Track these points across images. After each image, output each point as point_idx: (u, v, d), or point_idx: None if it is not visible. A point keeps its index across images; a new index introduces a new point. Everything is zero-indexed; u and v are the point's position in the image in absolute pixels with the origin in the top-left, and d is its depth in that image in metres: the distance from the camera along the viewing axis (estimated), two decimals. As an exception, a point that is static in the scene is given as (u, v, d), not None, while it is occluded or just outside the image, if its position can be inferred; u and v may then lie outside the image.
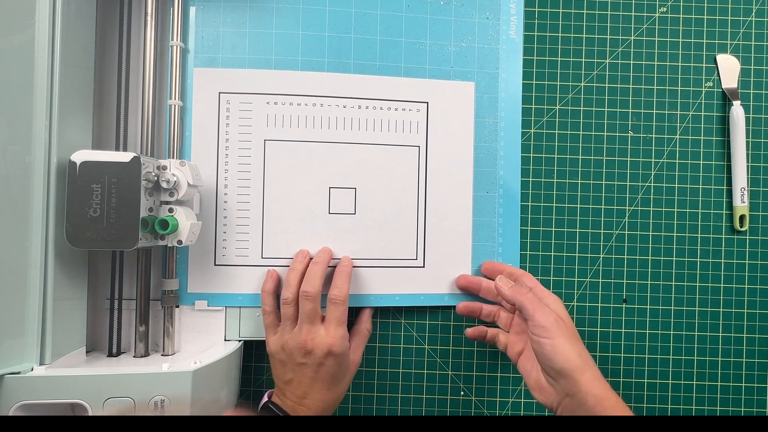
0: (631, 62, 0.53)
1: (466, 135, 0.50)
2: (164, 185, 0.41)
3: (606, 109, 0.53)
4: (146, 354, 0.45)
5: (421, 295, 0.50)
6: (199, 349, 0.46)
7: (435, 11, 0.50)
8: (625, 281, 0.52)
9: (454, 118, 0.50)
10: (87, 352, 0.45)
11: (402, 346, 0.52)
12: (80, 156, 0.38)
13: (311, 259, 0.46)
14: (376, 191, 0.49)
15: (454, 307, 0.50)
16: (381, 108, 0.49)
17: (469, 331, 0.49)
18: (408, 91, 0.49)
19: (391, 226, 0.49)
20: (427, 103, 0.49)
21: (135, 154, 0.39)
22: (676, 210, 0.52)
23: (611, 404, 0.39)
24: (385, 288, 0.49)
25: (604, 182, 0.52)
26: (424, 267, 0.50)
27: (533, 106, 0.52)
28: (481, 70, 0.50)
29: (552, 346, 0.40)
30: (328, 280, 0.46)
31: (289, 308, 0.44)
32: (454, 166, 0.50)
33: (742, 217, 0.52)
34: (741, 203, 0.51)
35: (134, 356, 0.45)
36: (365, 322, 0.48)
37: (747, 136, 0.52)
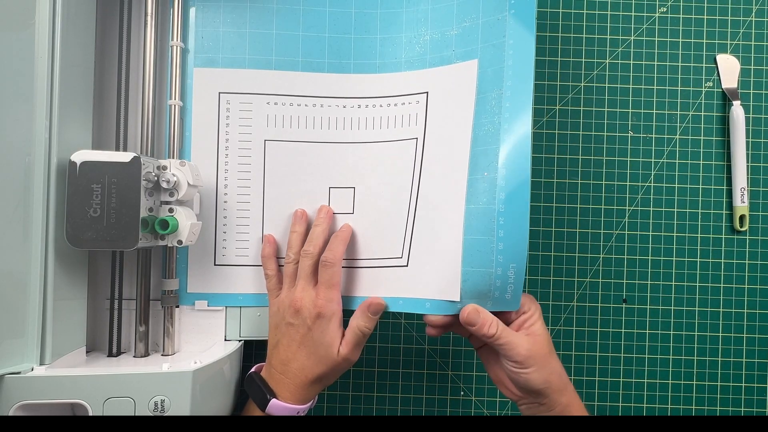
0: (631, 62, 0.53)
1: (465, 114, 0.43)
2: (164, 185, 0.41)
3: (606, 109, 0.53)
4: (146, 354, 0.45)
5: (400, 300, 0.44)
6: (199, 349, 0.46)
7: (436, 0, 0.47)
8: (625, 281, 0.52)
9: (453, 100, 0.45)
10: (87, 352, 0.45)
11: (402, 346, 0.52)
12: (80, 156, 0.38)
13: (310, 220, 0.47)
14: (376, 191, 0.48)
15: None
16: (381, 106, 0.48)
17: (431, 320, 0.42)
18: (408, 84, 0.48)
19: (388, 224, 0.47)
20: (427, 93, 0.47)
21: (135, 154, 0.39)
22: (676, 210, 0.52)
23: (576, 410, 0.41)
24: (376, 290, 0.45)
25: (604, 182, 0.52)
26: (407, 266, 0.44)
27: (533, 106, 0.52)
28: (486, 44, 0.45)
29: (527, 375, 0.40)
30: None
31: (291, 266, 0.44)
32: (448, 148, 0.43)
33: (742, 217, 0.52)
34: (741, 203, 0.51)
35: (134, 356, 0.45)
36: (357, 318, 0.43)
37: (747, 136, 0.52)
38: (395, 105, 0.48)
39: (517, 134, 0.41)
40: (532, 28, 0.43)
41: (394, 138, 0.47)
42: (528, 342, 0.40)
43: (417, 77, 0.47)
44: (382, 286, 0.45)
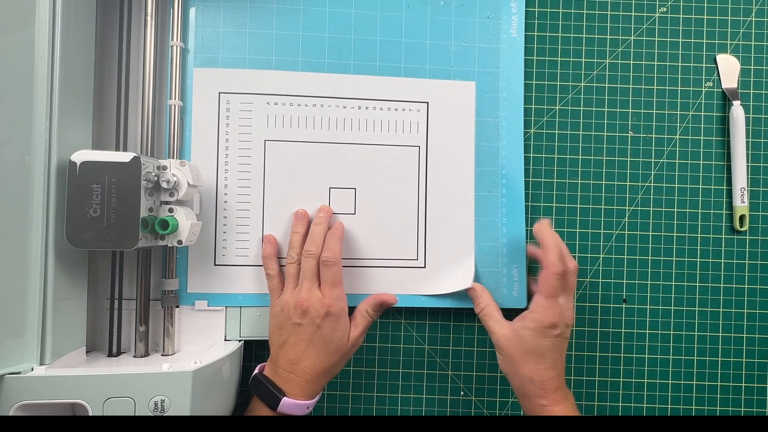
0: (631, 62, 0.53)
1: (467, 134, 0.50)
2: (164, 185, 0.41)
3: (606, 109, 0.53)
4: (146, 354, 0.45)
5: (422, 296, 0.49)
6: (199, 349, 0.46)
7: (435, 11, 0.50)
8: (625, 281, 0.52)
9: (455, 118, 0.49)
10: (87, 352, 0.45)
11: (402, 346, 0.52)
12: (80, 156, 0.38)
13: (311, 220, 0.47)
14: (376, 191, 0.49)
15: (452, 309, 0.50)
16: (381, 108, 0.49)
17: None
18: (408, 91, 0.49)
19: (392, 225, 0.49)
20: (427, 103, 0.49)
21: (135, 154, 0.39)
22: (676, 210, 0.52)
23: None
24: (386, 288, 0.49)
25: (604, 182, 0.52)
26: (425, 267, 0.49)
27: (533, 106, 0.52)
28: (482, 69, 0.50)
29: (499, 360, 0.44)
30: None
31: (293, 266, 0.44)
32: (454, 165, 0.49)
33: (742, 217, 0.52)
34: (741, 203, 0.51)
35: (134, 356, 0.45)
36: (367, 303, 0.46)
37: (747, 136, 0.52)
38: (395, 110, 0.49)
39: (513, 157, 0.50)
40: (521, 62, 0.51)
41: (395, 143, 0.49)
42: (505, 333, 0.43)
43: (417, 85, 0.49)
44: (401, 285, 0.49)
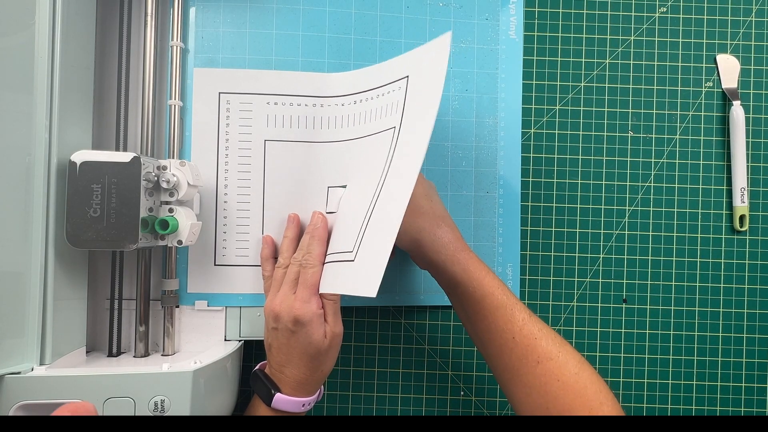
0: (631, 62, 0.53)
1: (431, 103, 0.38)
2: (164, 185, 0.41)
3: (606, 109, 0.53)
4: (146, 354, 0.45)
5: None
6: (199, 349, 0.46)
7: (434, 13, 0.50)
8: (625, 281, 0.52)
9: (424, 89, 0.40)
10: (87, 352, 0.45)
11: (402, 346, 0.52)
12: (80, 156, 0.38)
13: (302, 224, 0.46)
14: (359, 188, 0.44)
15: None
16: (372, 98, 0.46)
17: None
18: (392, 70, 0.45)
19: (351, 216, 0.43)
20: (407, 77, 0.43)
21: (135, 154, 0.39)
22: (676, 210, 0.52)
23: (476, 275, 0.43)
24: (326, 288, 0.41)
25: (604, 182, 0.52)
26: (353, 261, 0.39)
27: (533, 106, 0.52)
28: (480, 70, 0.50)
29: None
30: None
31: (280, 271, 0.43)
32: (411, 140, 0.39)
33: (742, 217, 0.52)
34: (741, 203, 0.51)
35: (134, 356, 0.45)
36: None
37: (747, 136, 0.52)
38: (381, 95, 0.45)
39: (510, 158, 0.51)
40: (519, 64, 0.51)
41: (376, 130, 0.44)
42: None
43: (400, 61, 0.44)
44: (335, 285, 0.40)
